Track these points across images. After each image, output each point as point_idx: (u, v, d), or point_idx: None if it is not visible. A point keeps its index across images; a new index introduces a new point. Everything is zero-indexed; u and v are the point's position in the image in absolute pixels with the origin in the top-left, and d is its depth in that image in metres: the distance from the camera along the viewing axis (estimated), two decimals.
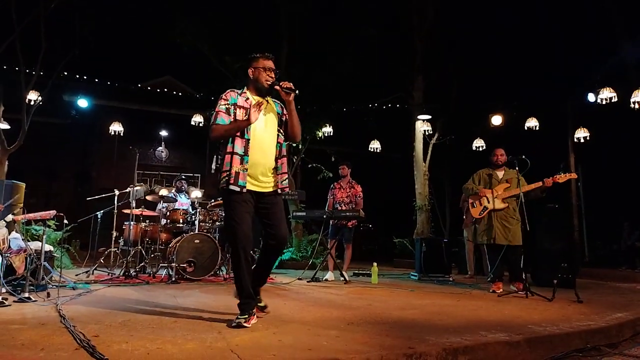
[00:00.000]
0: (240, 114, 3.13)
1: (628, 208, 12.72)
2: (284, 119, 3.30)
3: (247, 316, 2.92)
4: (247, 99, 3.22)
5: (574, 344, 2.86)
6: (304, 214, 7.04)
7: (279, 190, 3.21)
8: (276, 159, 3.22)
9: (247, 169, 3.07)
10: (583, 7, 11.65)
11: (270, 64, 3.26)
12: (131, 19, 11.33)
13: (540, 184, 5.11)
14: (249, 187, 3.09)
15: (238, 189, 3.02)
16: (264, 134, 3.19)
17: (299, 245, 10.26)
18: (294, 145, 10.99)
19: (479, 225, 5.52)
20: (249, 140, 3.11)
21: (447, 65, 11.73)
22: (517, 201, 5.22)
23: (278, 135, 3.26)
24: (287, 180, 3.27)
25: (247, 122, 3.10)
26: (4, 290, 3.60)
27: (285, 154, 3.29)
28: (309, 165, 11.51)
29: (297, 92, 3.17)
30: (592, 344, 2.92)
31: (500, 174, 5.49)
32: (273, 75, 3.24)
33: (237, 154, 3.07)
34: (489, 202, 5.35)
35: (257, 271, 3.28)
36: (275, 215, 3.14)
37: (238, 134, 3.10)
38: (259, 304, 3.24)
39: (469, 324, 3.13)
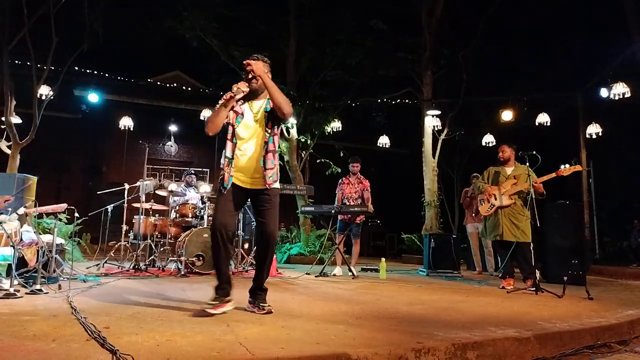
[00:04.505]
0: (232, 116, 3.22)
1: (639, 205, 12.56)
2: (274, 114, 3.19)
3: (216, 302, 2.97)
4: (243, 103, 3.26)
5: (584, 340, 2.84)
6: (312, 209, 7.04)
7: (267, 187, 3.15)
8: (263, 157, 3.17)
9: (232, 172, 3.17)
10: (596, 2, 11.49)
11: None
12: (140, 13, 11.37)
13: (554, 174, 5.08)
14: (239, 184, 3.19)
15: (223, 190, 3.17)
16: (249, 135, 3.21)
17: (307, 241, 10.25)
18: (303, 140, 10.98)
19: (487, 222, 5.51)
20: (235, 143, 3.20)
21: (456, 60, 11.64)
22: (525, 197, 5.17)
23: (266, 133, 3.19)
24: (274, 175, 3.18)
25: (220, 106, 3.14)
26: (16, 282, 3.64)
27: (272, 148, 3.19)
28: (318, 161, 11.48)
29: (250, 74, 3.14)
30: (602, 340, 2.90)
31: (508, 170, 5.45)
32: (246, 73, 3.20)
33: (227, 157, 3.18)
34: (496, 199, 5.34)
35: (256, 265, 3.38)
36: (267, 214, 3.17)
37: (228, 136, 3.19)
38: (261, 303, 3.15)
39: (478, 320, 3.12)
